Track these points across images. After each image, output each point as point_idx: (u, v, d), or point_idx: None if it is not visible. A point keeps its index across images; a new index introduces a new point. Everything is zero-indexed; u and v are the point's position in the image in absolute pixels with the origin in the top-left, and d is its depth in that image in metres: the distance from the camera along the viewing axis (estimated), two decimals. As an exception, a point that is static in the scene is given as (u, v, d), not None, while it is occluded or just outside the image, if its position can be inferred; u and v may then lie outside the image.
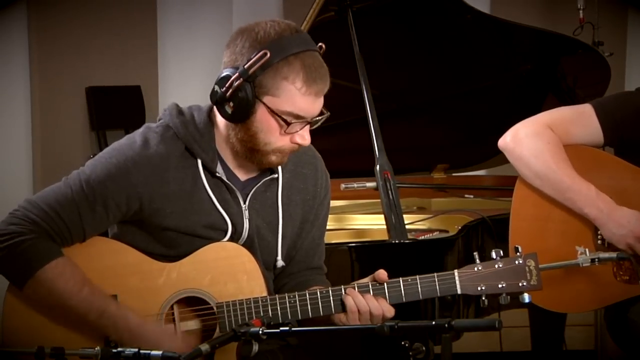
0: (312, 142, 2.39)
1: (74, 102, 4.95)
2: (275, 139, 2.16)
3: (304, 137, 2.17)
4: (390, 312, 2.16)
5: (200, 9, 5.06)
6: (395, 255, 2.78)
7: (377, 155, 2.92)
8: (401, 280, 2.18)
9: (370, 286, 2.18)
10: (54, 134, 4.90)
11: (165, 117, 2.25)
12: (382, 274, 2.18)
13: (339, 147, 3.41)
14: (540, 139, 2.65)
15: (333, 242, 2.88)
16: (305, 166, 2.34)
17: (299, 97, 2.12)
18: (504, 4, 5.01)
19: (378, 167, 2.91)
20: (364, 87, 3.04)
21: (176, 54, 5.09)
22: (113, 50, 4.96)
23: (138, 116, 5.07)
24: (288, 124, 2.14)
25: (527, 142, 2.66)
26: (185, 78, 4.94)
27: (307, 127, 2.18)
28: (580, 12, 4.52)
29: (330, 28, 3.15)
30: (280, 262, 2.29)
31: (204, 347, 1.88)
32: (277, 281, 2.34)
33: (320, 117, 2.18)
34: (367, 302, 2.15)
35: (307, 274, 2.35)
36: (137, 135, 2.22)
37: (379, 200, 2.89)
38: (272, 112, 2.13)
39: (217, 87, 2.14)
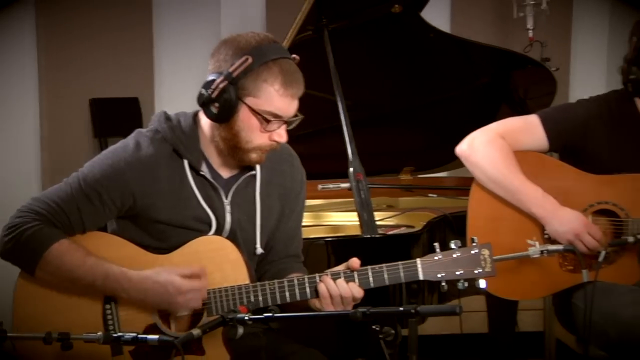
0: (293, 147, 2.41)
1: (78, 112, 4.91)
2: (256, 136, 2.17)
3: (281, 135, 2.19)
4: (359, 293, 2.16)
5: (192, 27, 5.07)
6: (367, 248, 2.77)
7: (351, 159, 2.91)
8: (369, 269, 2.19)
9: (342, 274, 2.18)
10: (61, 140, 4.87)
11: (154, 122, 2.28)
12: (354, 262, 2.18)
13: (317, 151, 3.40)
14: (493, 147, 2.67)
15: (311, 237, 2.88)
16: (283, 164, 2.35)
17: (277, 98, 2.14)
18: (463, 25, 5.03)
19: (351, 169, 2.90)
20: (338, 98, 3.04)
21: (171, 69, 5.08)
22: (114, 65, 4.94)
23: (136, 125, 4.95)
24: (267, 121, 2.15)
25: (482, 150, 2.68)
26: (179, 90, 4.93)
27: (284, 127, 2.19)
28: (530, 32, 4.57)
29: (308, 45, 3.15)
30: (259, 250, 2.30)
31: (196, 331, 1.88)
32: (259, 268, 2.35)
33: (295, 118, 2.19)
34: (337, 287, 2.15)
35: (286, 261, 2.36)
36: (129, 139, 2.25)
37: (352, 199, 2.89)
38: (253, 111, 2.15)
39: (203, 90, 2.16)
